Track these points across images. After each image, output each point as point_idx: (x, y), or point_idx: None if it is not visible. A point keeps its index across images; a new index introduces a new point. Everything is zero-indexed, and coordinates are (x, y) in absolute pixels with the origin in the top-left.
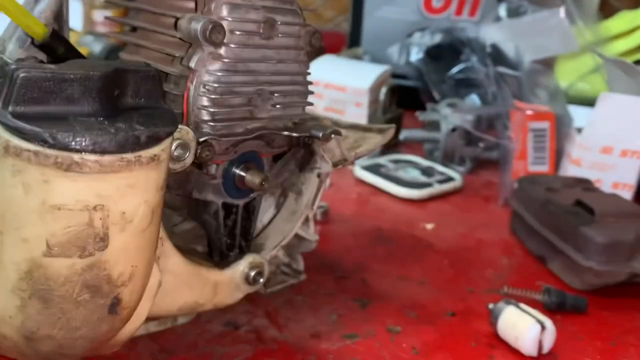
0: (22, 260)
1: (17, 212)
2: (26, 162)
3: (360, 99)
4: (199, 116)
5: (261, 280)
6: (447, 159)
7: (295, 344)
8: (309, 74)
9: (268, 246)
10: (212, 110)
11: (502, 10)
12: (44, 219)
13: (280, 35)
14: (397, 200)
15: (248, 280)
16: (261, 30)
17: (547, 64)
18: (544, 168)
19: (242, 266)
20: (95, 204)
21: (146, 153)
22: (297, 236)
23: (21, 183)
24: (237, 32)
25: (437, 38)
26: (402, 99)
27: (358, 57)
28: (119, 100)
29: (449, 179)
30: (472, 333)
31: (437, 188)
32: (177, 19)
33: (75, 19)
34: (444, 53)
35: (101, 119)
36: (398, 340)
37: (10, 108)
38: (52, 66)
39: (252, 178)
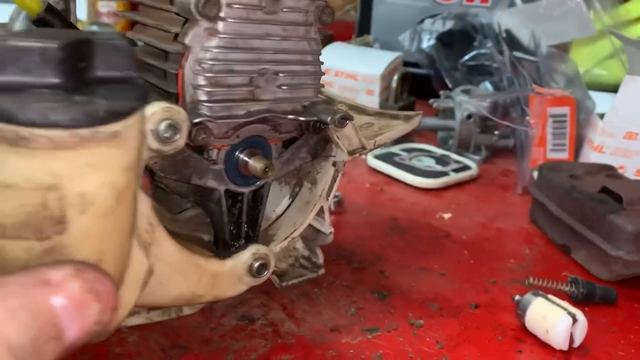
0: None
1: None
2: None
3: (371, 86)
4: (194, 96)
5: (265, 272)
6: (462, 147)
7: (314, 338)
8: (321, 53)
9: (279, 237)
10: (208, 90)
11: None
12: None
13: (285, 9)
14: (412, 190)
15: (251, 272)
16: (263, 4)
17: (561, 50)
18: (564, 155)
19: (245, 257)
20: (49, 183)
21: (105, 129)
22: (312, 228)
23: None
24: (236, 6)
25: (449, 24)
26: (414, 87)
27: (368, 45)
28: (85, 72)
29: (465, 167)
30: (498, 326)
31: (453, 177)
32: None
33: (81, 10)
34: (456, 39)
35: (60, 91)
36: (421, 334)
37: None
38: (6, 34)
39: (255, 164)
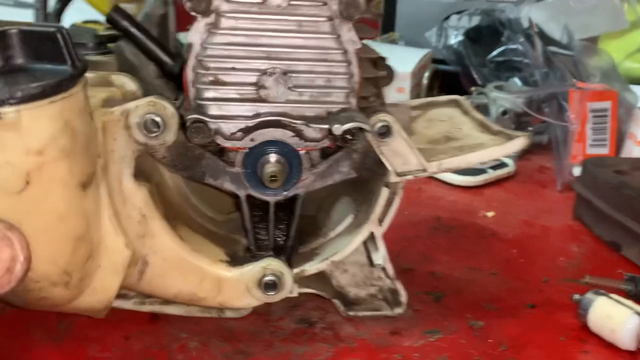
0: None
1: None
2: None
3: (402, 84)
4: (197, 94)
5: (274, 292)
6: None
7: (375, 342)
8: (359, 48)
9: (319, 258)
10: (208, 87)
11: None
12: None
13: (294, 2)
14: (451, 188)
15: (260, 287)
16: None
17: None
18: (604, 150)
19: (254, 269)
20: None
21: None
22: (365, 256)
23: None
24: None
25: (476, 20)
26: (441, 84)
27: (394, 42)
28: (8, 61)
29: (502, 164)
30: (558, 326)
31: (492, 174)
32: None
33: None
34: (484, 35)
35: None
36: (482, 335)
37: None
38: None
39: (264, 170)
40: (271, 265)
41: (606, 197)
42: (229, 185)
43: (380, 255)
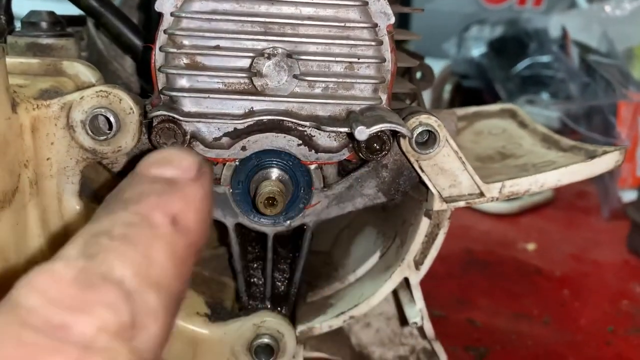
0: None
1: None
2: None
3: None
4: (166, 83)
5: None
6: None
7: None
8: (391, 27)
9: (335, 311)
10: (179, 73)
11: None
12: None
13: None
14: (481, 215)
15: (251, 352)
16: None
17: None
18: None
19: (243, 327)
20: None
21: None
22: (393, 306)
23: None
24: None
25: (498, 31)
26: (464, 99)
27: None
28: None
29: None
30: None
31: (527, 200)
32: None
33: None
34: (509, 47)
35: None
36: None
37: None
38: None
39: (257, 191)
40: (267, 321)
41: None
42: (212, 211)
43: (417, 311)
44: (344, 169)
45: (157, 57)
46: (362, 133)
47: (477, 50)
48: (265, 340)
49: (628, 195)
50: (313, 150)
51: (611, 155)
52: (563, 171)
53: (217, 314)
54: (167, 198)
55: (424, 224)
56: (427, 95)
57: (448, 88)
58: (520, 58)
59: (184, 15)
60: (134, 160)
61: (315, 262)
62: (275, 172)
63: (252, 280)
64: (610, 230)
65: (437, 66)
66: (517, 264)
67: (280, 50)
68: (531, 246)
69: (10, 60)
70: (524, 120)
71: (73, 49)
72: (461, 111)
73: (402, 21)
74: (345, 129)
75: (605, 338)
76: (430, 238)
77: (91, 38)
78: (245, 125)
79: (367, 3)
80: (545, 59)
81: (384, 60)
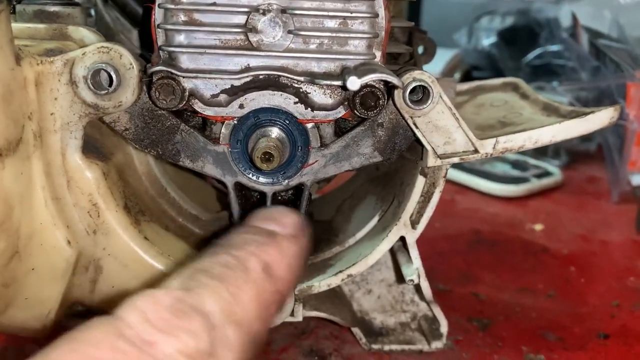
0: None
1: None
2: None
3: None
4: (165, 40)
5: None
6: (540, 151)
7: None
8: None
9: (332, 270)
10: (177, 29)
11: None
12: None
13: None
14: (489, 199)
15: None
16: None
17: None
18: None
19: None
20: None
21: None
22: (394, 273)
23: None
24: None
25: (509, 21)
26: None
27: None
28: None
29: (546, 173)
30: None
31: (536, 183)
32: None
33: None
34: (519, 37)
35: None
36: None
37: None
38: None
39: (255, 147)
40: None
41: None
42: (211, 169)
43: (414, 269)
44: (340, 130)
45: (157, 15)
46: (354, 83)
47: (487, 41)
48: None
49: (637, 179)
50: (309, 108)
51: (605, 112)
52: (557, 127)
53: None
54: (264, 248)
55: (420, 182)
56: None
57: (457, 76)
58: (530, 48)
59: None
60: (134, 118)
61: (316, 230)
62: (272, 131)
63: None
64: (619, 213)
65: (448, 56)
66: (524, 243)
67: (275, 6)
68: (539, 227)
69: (18, 25)
70: (526, 92)
71: (79, 17)
72: (464, 85)
73: (414, 12)
74: (339, 82)
75: (610, 311)
76: (427, 197)
77: (99, 12)
78: (242, 81)
79: None
80: (555, 48)
81: (377, 15)
